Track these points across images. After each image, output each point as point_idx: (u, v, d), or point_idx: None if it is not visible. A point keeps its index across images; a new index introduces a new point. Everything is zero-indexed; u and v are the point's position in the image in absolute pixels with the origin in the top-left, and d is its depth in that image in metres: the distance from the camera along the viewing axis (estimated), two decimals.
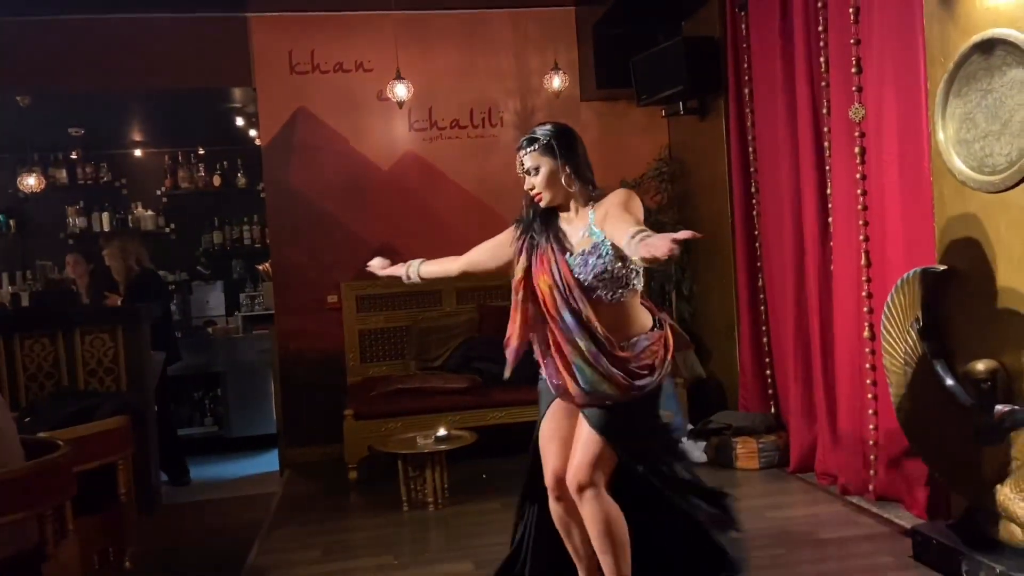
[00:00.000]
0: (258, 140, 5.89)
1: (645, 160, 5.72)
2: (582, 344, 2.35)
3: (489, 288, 5.52)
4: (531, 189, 2.45)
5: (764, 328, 4.76)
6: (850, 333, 3.83)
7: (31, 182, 6.46)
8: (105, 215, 7.20)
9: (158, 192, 7.40)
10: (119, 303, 4.89)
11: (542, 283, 2.40)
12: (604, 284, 2.37)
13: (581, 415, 2.44)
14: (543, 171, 2.42)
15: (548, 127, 2.47)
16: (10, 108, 5.78)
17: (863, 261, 3.72)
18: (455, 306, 5.62)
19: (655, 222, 5.65)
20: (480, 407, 4.79)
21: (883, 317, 3.14)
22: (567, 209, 2.47)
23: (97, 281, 5.21)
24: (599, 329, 2.35)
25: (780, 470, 4.38)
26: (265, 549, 3.75)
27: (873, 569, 3.08)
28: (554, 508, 2.52)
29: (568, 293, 2.36)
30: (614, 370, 2.35)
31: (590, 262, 2.36)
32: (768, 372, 4.75)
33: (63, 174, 7.17)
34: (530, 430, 2.65)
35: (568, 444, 2.47)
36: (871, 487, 3.72)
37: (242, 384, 6.39)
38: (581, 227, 2.43)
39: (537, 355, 2.48)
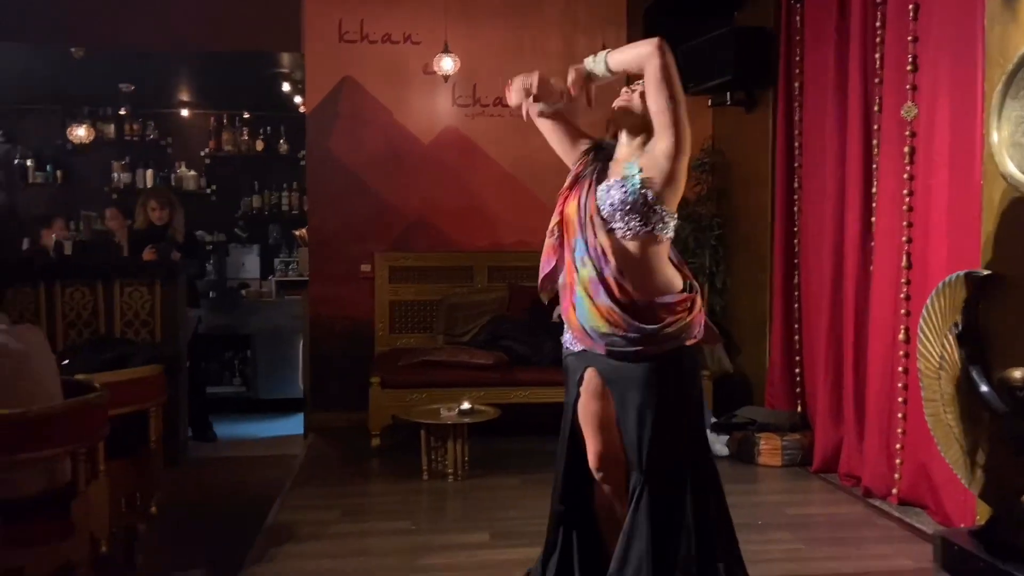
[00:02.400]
0: (302, 107, 5.95)
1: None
2: (584, 272, 2.29)
3: (520, 268, 5.53)
4: (627, 96, 2.37)
5: (796, 326, 4.72)
6: (885, 335, 3.78)
7: (81, 133, 6.60)
8: (149, 172, 7.32)
9: (201, 153, 7.50)
10: (155, 256, 4.99)
11: (569, 208, 2.37)
12: (621, 216, 2.26)
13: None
14: (641, 94, 2.35)
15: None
16: (63, 60, 5.88)
17: (904, 263, 3.67)
18: (486, 283, 5.64)
19: (692, 212, 5.63)
20: (505, 384, 4.81)
21: (921, 320, 3.09)
22: (626, 141, 2.38)
23: (138, 235, 5.30)
24: (609, 259, 2.27)
25: (803, 469, 4.35)
26: (286, 507, 3.82)
27: (892, 571, 3.05)
28: (600, 492, 2.44)
29: (585, 219, 2.31)
30: (611, 306, 2.24)
31: (612, 191, 2.28)
32: (797, 370, 4.71)
33: (111, 129, 7.31)
34: (554, 411, 2.58)
35: (609, 424, 2.37)
36: (895, 491, 3.69)
37: (271, 347, 6.47)
38: (628, 162, 2.34)
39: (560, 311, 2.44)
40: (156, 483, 3.52)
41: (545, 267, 2.43)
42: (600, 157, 2.43)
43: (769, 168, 4.94)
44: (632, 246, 2.29)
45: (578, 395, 2.41)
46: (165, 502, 3.60)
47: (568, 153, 2.49)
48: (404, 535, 3.43)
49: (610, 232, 2.30)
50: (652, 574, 2.22)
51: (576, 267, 2.32)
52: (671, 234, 2.35)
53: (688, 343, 2.34)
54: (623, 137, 2.40)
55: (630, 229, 2.28)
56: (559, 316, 2.47)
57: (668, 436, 2.30)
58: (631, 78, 2.42)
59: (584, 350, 2.37)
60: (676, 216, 2.35)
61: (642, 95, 2.32)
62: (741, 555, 2.41)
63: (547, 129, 2.49)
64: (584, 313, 2.29)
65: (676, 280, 2.35)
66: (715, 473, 2.42)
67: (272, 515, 3.70)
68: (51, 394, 2.57)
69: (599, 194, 2.32)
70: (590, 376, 2.38)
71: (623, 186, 2.27)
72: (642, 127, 2.35)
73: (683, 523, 2.29)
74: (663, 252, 2.34)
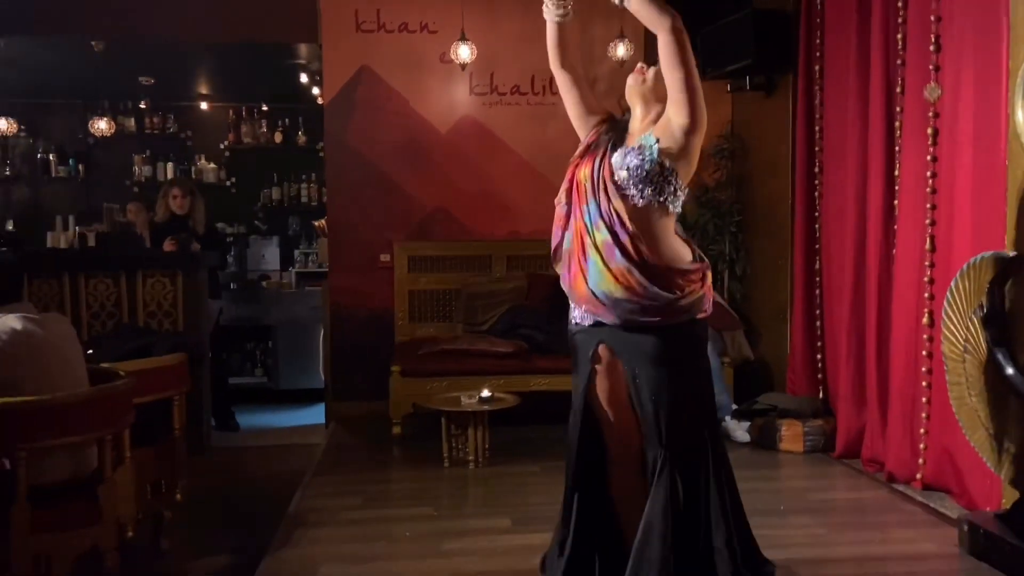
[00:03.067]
0: (320, 98, 5.96)
1: (706, 136, 5.59)
2: (598, 236, 2.28)
3: (538, 256, 5.51)
4: (641, 73, 2.39)
5: (818, 312, 4.68)
6: (908, 319, 3.75)
7: (102, 126, 6.66)
8: (170, 165, 7.39)
9: (221, 146, 7.55)
10: (175, 248, 5.04)
11: (581, 173, 2.38)
12: (635, 183, 2.26)
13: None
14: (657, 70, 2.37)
15: None
16: (84, 53, 5.94)
17: (927, 245, 3.63)
18: (505, 272, 5.64)
19: (711, 199, 5.60)
20: (524, 372, 4.82)
21: (945, 302, 3.06)
22: (639, 115, 2.40)
23: (158, 227, 5.36)
24: (625, 222, 2.27)
25: (825, 455, 4.32)
26: (308, 495, 3.85)
27: (916, 556, 3.03)
28: (619, 473, 2.41)
29: (599, 183, 2.31)
30: (627, 267, 2.23)
31: (628, 157, 2.29)
32: (819, 356, 4.68)
33: (131, 122, 7.38)
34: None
35: (623, 400, 2.35)
36: (919, 476, 3.65)
37: (292, 338, 6.52)
38: (642, 134, 2.37)
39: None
40: (181, 470, 3.56)
41: (556, 238, 2.44)
42: (614, 128, 2.44)
43: (789, 153, 4.89)
44: (643, 213, 2.30)
45: (592, 372, 2.37)
46: (190, 489, 3.64)
47: (581, 118, 2.50)
48: (426, 521, 3.45)
49: (623, 198, 2.30)
50: (673, 551, 2.22)
51: (589, 230, 2.31)
52: (679, 208, 2.37)
53: (699, 316, 2.36)
54: (637, 112, 2.41)
55: (643, 197, 2.28)
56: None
57: (686, 409, 2.32)
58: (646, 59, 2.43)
59: (594, 324, 2.34)
60: (687, 190, 2.38)
61: (657, 72, 2.33)
62: (752, 534, 2.42)
63: (566, 87, 2.50)
64: (597, 277, 2.28)
65: (685, 251, 2.38)
66: (724, 446, 2.46)
67: (295, 502, 3.73)
68: (78, 382, 2.61)
69: (615, 160, 2.33)
70: (602, 352, 2.35)
71: (640, 154, 2.28)
72: (656, 101, 2.37)
73: (706, 497, 2.31)
74: (671, 224, 2.37)
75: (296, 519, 3.49)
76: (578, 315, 2.41)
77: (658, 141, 2.29)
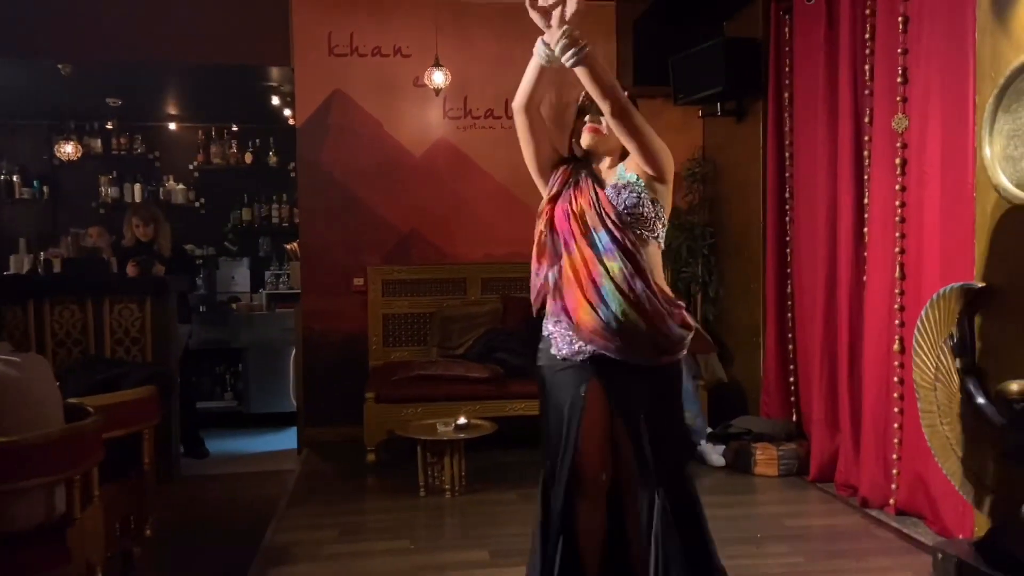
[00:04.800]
0: (292, 120, 5.92)
1: (678, 160, 5.57)
2: (614, 266, 2.24)
3: (513, 279, 5.52)
4: (595, 123, 2.35)
5: (790, 335, 4.73)
6: (880, 345, 3.80)
7: (68, 149, 6.55)
8: (137, 186, 7.27)
9: (190, 167, 7.46)
10: (137, 271, 4.96)
11: (577, 206, 2.32)
12: (631, 220, 2.29)
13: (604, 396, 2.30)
14: None
15: None
16: (51, 75, 5.84)
17: (897, 273, 3.69)
18: (479, 295, 5.63)
19: (684, 222, 5.64)
20: (500, 398, 4.80)
21: (916, 331, 3.11)
22: (599, 161, 2.43)
23: (125, 252, 5.27)
24: (640, 253, 2.26)
25: (799, 478, 4.35)
26: (282, 527, 3.79)
27: None
28: (589, 508, 2.38)
29: (604, 214, 2.29)
30: (650, 295, 2.22)
31: (623, 195, 2.30)
32: (792, 379, 4.72)
33: (98, 144, 7.26)
34: None
35: (609, 437, 2.33)
36: (892, 501, 3.70)
37: (263, 361, 6.43)
38: (612, 176, 2.38)
39: (551, 322, 2.36)
40: (150, 505, 3.48)
41: (539, 279, 2.38)
42: (582, 166, 2.42)
43: (760, 178, 4.95)
44: (643, 247, 2.31)
45: (583, 409, 2.31)
46: (160, 523, 3.56)
47: (536, 165, 2.44)
48: (403, 554, 3.40)
49: (629, 230, 2.30)
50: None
51: (600, 260, 2.26)
52: (663, 239, 2.39)
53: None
54: (603, 162, 2.42)
55: (636, 233, 2.30)
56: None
57: (679, 447, 2.39)
58: (585, 109, 2.39)
59: (587, 359, 2.29)
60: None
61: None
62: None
63: (524, 131, 2.40)
64: (616, 307, 2.22)
65: (665, 285, 2.39)
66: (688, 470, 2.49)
67: (268, 535, 3.67)
68: (52, 423, 2.54)
69: (610, 195, 2.33)
70: (593, 389, 2.31)
71: (632, 191, 2.30)
72: (608, 148, 2.39)
73: (699, 525, 2.35)
74: (659, 255, 2.39)
75: (270, 554, 3.43)
76: (568, 350, 2.32)
77: (639, 179, 2.31)
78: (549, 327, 2.38)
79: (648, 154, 2.25)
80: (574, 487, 2.36)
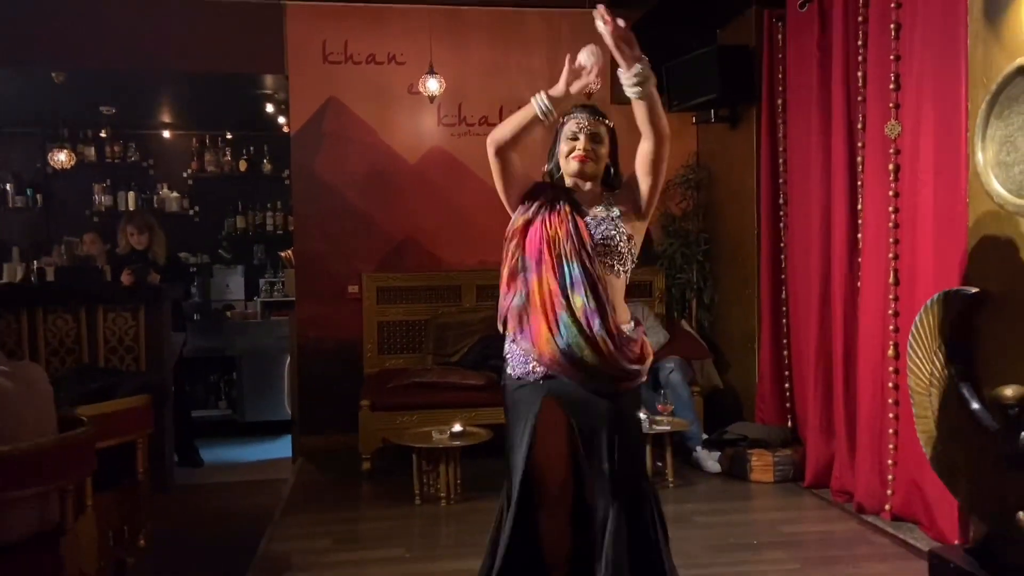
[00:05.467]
0: (286, 127, 5.92)
1: (672, 166, 5.68)
2: (577, 299, 2.26)
3: None
4: (584, 152, 2.37)
5: (785, 341, 4.74)
6: (874, 351, 3.80)
7: (61, 158, 6.52)
8: (131, 194, 7.25)
9: (184, 174, 7.44)
10: (132, 279, 4.94)
11: (552, 230, 2.32)
12: (605, 251, 2.33)
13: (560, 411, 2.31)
14: (604, 145, 2.41)
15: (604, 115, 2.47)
16: (44, 83, 5.83)
17: (891, 279, 3.69)
18: (475, 302, 5.62)
19: (679, 228, 5.65)
20: (495, 405, 4.70)
21: (910, 337, 3.11)
22: (584, 188, 2.43)
23: (119, 260, 5.25)
24: (606, 288, 2.30)
25: (795, 484, 4.35)
26: (277, 536, 3.77)
27: None
28: (551, 524, 2.38)
29: (580, 247, 2.30)
30: (605, 336, 2.25)
31: (601, 227, 2.34)
32: (787, 385, 4.73)
33: (91, 152, 7.23)
34: None
35: (564, 453, 2.34)
36: (888, 507, 3.70)
37: (258, 369, 6.41)
38: (597, 205, 2.40)
39: (509, 341, 2.36)
40: (144, 514, 3.47)
41: (506, 300, 2.37)
42: (559, 192, 2.42)
43: (754, 184, 4.97)
44: (611, 281, 2.35)
45: (536, 426, 2.31)
46: (153, 533, 3.55)
47: (513, 191, 2.42)
48: (398, 563, 3.39)
49: (600, 264, 2.33)
50: None
51: (564, 292, 2.28)
52: (628, 274, 2.43)
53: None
54: (585, 184, 2.43)
55: (609, 264, 2.34)
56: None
57: (636, 462, 2.41)
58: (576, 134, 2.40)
59: (544, 378, 2.30)
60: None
61: (605, 148, 2.41)
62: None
63: (496, 172, 2.39)
64: (572, 340, 2.25)
65: (626, 314, 2.41)
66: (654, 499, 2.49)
67: (263, 544, 3.65)
68: (47, 432, 2.53)
69: (590, 224, 2.34)
70: (549, 405, 2.31)
71: (613, 223, 2.34)
72: (595, 175, 2.43)
73: (655, 540, 2.37)
74: (623, 288, 2.43)
75: (264, 564, 3.41)
76: (521, 369, 2.33)
77: (621, 215, 2.36)
78: (509, 346, 2.38)
79: (660, 183, 2.35)
80: (530, 503, 2.35)
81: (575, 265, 2.29)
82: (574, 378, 2.28)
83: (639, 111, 2.25)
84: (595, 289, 2.28)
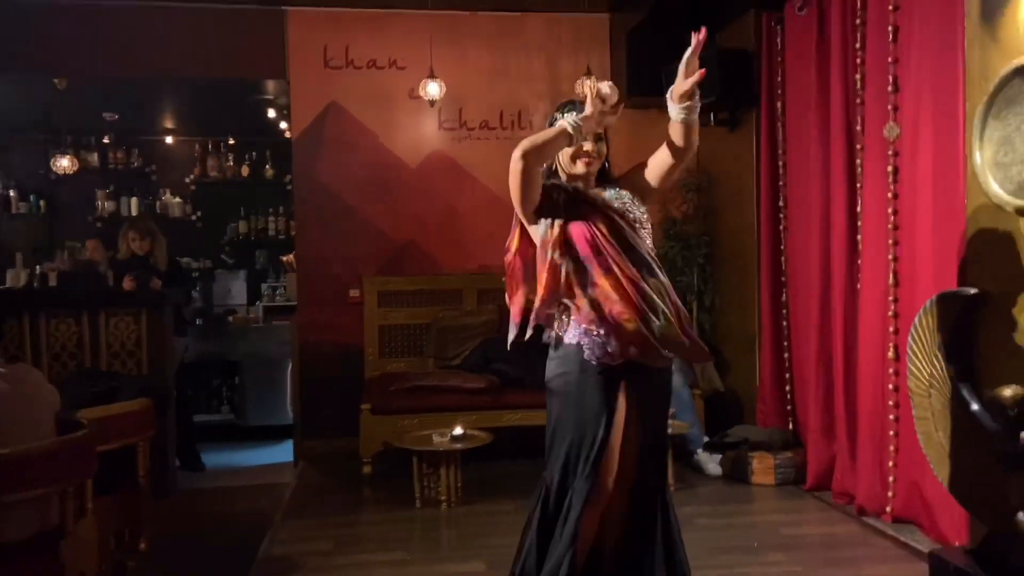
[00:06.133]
0: (288, 132, 5.95)
1: None
2: (651, 280, 2.35)
3: None
4: (592, 155, 2.47)
5: (786, 343, 4.73)
6: (874, 353, 3.80)
7: (65, 163, 6.56)
8: (134, 200, 7.28)
9: (187, 180, 7.47)
10: (134, 285, 4.96)
11: (603, 224, 2.37)
12: (643, 228, 2.47)
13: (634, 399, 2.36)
14: (604, 144, 2.51)
15: None
16: (47, 90, 5.87)
17: (891, 280, 3.69)
18: (476, 306, 5.62)
19: (679, 231, 5.65)
20: (496, 408, 4.80)
21: (910, 338, 3.11)
22: (589, 184, 2.51)
23: (121, 265, 5.27)
24: (661, 267, 2.42)
25: (796, 487, 4.35)
26: (278, 540, 3.77)
27: None
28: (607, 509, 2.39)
29: (633, 230, 2.40)
30: (679, 306, 2.39)
31: (631, 208, 2.46)
32: (788, 388, 4.72)
33: (95, 158, 7.27)
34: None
35: (636, 442, 2.38)
36: (889, 509, 3.69)
37: (260, 374, 6.42)
38: (606, 193, 2.50)
39: (572, 333, 2.37)
40: (145, 518, 3.47)
41: (552, 296, 2.37)
42: (571, 192, 2.46)
43: (754, 187, 4.97)
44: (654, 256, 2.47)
45: (614, 410, 2.35)
46: (154, 536, 3.55)
47: (535, 200, 2.42)
48: (399, 566, 3.39)
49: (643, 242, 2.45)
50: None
51: (643, 275, 2.34)
52: None
53: None
54: (589, 181, 2.51)
55: (649, 241, 2.48)
56: (549, 338, 2.46)
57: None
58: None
59: (619, 364, 2.33)
60: None
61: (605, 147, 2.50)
62: None
63: (531, 179, 2.38)
64: (662, 318, 2.31)
65: None
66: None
67: (264, 548, 3.66)
68: (43, 435, 2.54)
69: (630, 209, 2.44)
70: (625, 391, 2.36)
71: (635, 204, 2.46)
72: (596, 170, 2.53)
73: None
74: None
75: (265, 567, 3.42)
76: (600, 351, 2.33)
77: (631, 199, 2.47)
78: (575, 338, 2.37)
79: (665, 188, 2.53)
80: (602, 488, 2.35)
81: (642, 251, 2.39)
82: (654, 358, 2.35)
83: (680, 129, 2.42)
84: (658, 265, 2.40)
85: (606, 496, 2.36)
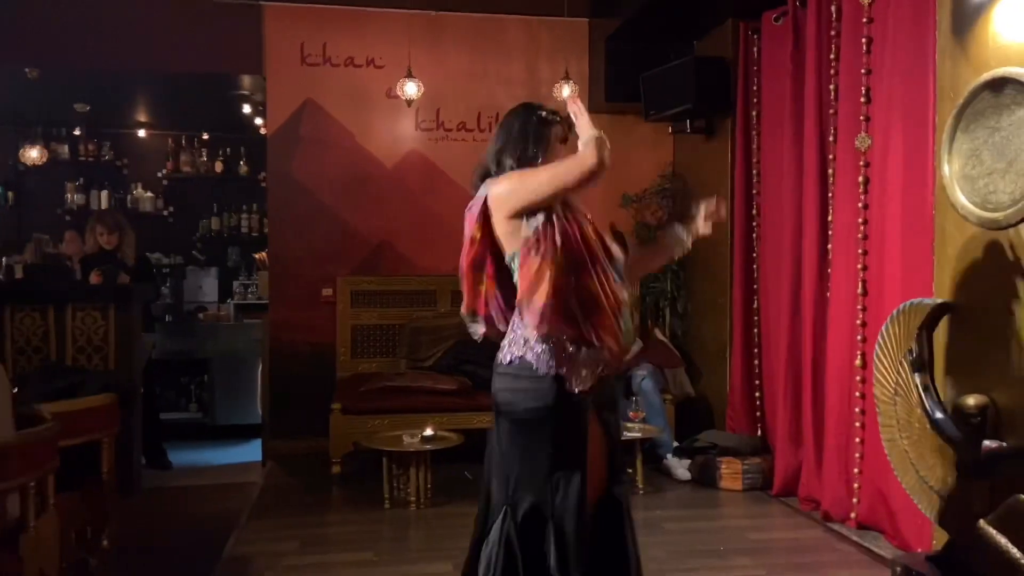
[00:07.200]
0: (263, 129, 5.90)
1: (648, 176, 5.74)
2: (625, 293, 2.33)
3: None
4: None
5: (756, 351, 4.78)
6: (842, 361, 3.85)
7: (34, 155, 6.46)
8: (104, 193, 7.18)
9: (159, 174, 7.38)
10: (101, 280, 4.88)
11: (587, 230, 2.33)
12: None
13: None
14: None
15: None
16: (17, 80, 5.76)
17: (860, 290, 3.74)
18: (449, 307, 5.61)
19: (654, 238, 5.68)
20: (468, 410, 4.78)
21: (876, 347, 3.15)
22: None
23: (88, 259, 5.18)
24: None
25: (763, 493, 4.38)
26: (244, 539, 3.73)
27: None
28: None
29: (606, 243, 2.38)
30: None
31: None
32: (757, 394, 4.77)
33: (65, 150, 7.15)
34: None
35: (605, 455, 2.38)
36: (853, 515, 3.73)
37: (229, 372, 6.34)
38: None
39: (573, 350, 2.23)
40: (108, 515, 3.42)
41: (544, 308, 2.20)
42: None
43: (728, 195, 5.01)
44: None
45: (586, 433, 2.27)
46: (118, 534, 3.50)
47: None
48: (366, 567, 3.37)
49: None
50: None
51: (621, 288, 2.32)
52: None
53: None
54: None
55: None
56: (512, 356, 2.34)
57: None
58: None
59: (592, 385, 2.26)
60: None
61: None
62: None
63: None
64: (628, 330, 2.33)
65: None
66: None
67: (229, 547, 3.61)
68: (3, 429, 2.49)
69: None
70: (592, 413, 2.31)
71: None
72: None
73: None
74: None
75: (230, 566, 3.38)
76: (591, 379, 2.23)
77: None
78: (545, 366, 2.23)
79: None
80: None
81: (618, 265, 2.35)
82: (615, 372, 2.38)
83: (659, 258, 2.73)
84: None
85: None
